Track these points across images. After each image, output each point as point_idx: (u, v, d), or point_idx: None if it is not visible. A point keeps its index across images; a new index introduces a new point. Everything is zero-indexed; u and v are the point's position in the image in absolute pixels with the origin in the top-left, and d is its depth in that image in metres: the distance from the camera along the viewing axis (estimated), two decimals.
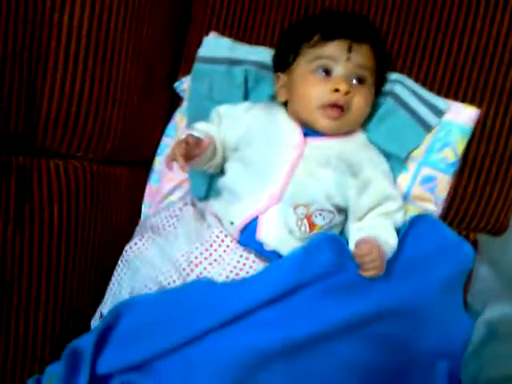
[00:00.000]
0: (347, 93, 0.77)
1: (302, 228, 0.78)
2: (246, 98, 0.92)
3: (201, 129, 0.84)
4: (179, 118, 0.96)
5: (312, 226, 0.78)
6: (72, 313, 0.80)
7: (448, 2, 0.86)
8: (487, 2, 0.84)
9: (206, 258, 0.77)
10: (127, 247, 0.83)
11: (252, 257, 0.77)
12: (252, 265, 0.76)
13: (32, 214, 0.76)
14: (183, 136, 0.78)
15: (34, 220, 0.76)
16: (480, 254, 0.91)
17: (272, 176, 0.79)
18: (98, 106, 0.80)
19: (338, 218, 0.81)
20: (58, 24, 0.74)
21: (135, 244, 0.82)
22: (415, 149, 0.86)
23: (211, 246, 0.77)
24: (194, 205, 0.87)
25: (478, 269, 0.93)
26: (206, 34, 0.97)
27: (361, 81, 0.80)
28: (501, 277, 1.04)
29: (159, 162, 0.97)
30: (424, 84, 0.88)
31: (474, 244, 0.88)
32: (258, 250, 0.78)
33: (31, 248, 0.76)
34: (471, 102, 0.86)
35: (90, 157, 0.83)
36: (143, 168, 0.97)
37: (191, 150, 0.75)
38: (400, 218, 0.80)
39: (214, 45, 0.93)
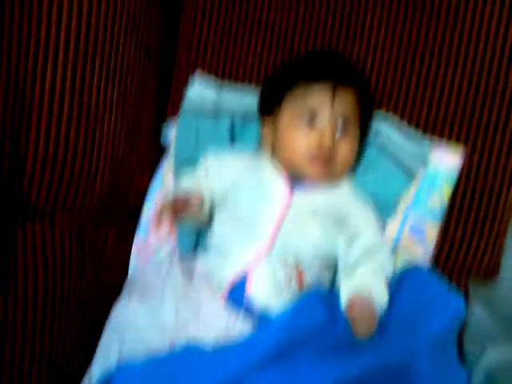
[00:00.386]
0: (332, 143, 0.77)
1: (292, 283, 0.77)
2: (232, 146, 0.92)
3: (188, 182, 0.84)
4: (166, 167, 0.95)
5: (301, 280, 0.77)
6: (60, 376, 0.78)
7: (430, 40, 0.87)
8: (469, 40, 0.85)
9: (194, 320, 0.75)
10: (114, 308, 0.81)
11: (241, 316, 0.75)
12: (241, 324, 0.75)
13: (16, 276, 0.74)
14: (170, 194, 0.78)
15: (17, 283, 0.74)
16: (472, 293, 0.91)
17: (259, 230, 0.78)
18: (82, 161, 0.79)
19: (327, 271, 0.80)
20: (41, 79, 0.73)
21: (122, 306, 0.80)
22: (402, 196, 0.86)
23: (199, 305, 0.76)
24: (181, 260, 0.85)
25: (471, 310, 0.90)
26: (192, 71, 0.96)
27: (345, 127, 0.79)
28: (496, 316, 1.02)
29: (147, 212, 0.96)
30: (409, 122, 0.88)
31: (466, 289, 0.88)
32: (248, 307, 0.77)
33: (15, 313, 0.74)
34: (457, 140, 0.87)
35: (76, 212, 0.82)
36: (131, 220, 0.95)
37: (179, 209, 0.75)
38: (390, 269, 0.79)
39: (199, 95, 0.93)
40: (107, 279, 0.89)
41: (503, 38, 0.84)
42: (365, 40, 0.89)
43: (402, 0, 0.87)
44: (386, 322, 0.74)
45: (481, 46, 0.84)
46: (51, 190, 0.79)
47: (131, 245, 0.95)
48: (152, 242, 0.93)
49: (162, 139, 0.97)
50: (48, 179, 0.78)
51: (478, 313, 0.89)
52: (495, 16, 0.83)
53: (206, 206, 0.84)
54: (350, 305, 0.72)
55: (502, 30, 0.83)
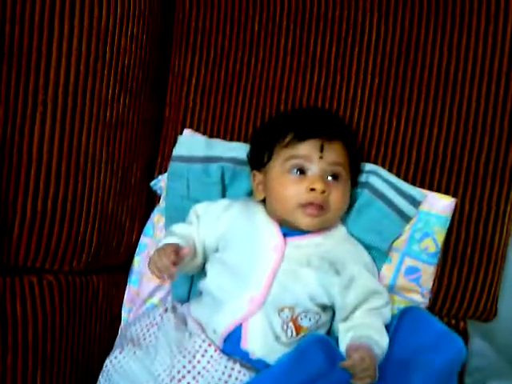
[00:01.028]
0: (323, 192, 0.77)
1: (289, 332, 0.75)
2: (223, 194, 0.92)
3: (180, 232, 0.83)
4: (157, 217, 0.95)
5: (298, 328, 0.76)
6: None
7: (415, 91, 0.89)
8: (453, 92, 0.87)
9: (189, 372, 0.73)
10: (107, 361, 0.79)
11: (237, 367, 0.74)
12: (238, 376, 0.73)
13: (5, 335, 0.73)
14: (161, 245, 0.77)
15: (7, 336, 0.73)
16: (471, 325, 0.90)
17: (253, 280, 0.77)
18: (71, 219, 0.79)
19: (325, 317, 0.79)
20: (29, 139, 0.74)
21: (115, 358, 0.79)
22: (396, 239, 0.85)
23: (194, 357, 0.74)
24: (174, 309, 0.84)
25: (471, 344, 0.90)
26: (181, 129, 0.97)
27: (336, 177, 0.80)
28: (495, 347, 1.01)
29: (138, 262, 0.95)
30: (398, 173, 0.89)
31: (465, 333, 0.87)
32: (244, 358, 0.75)
33: (4, 364, 0.72)
34: (446, 188, 0.87)
35: (66, 269, 0.81)
36: (122, 271, 0.94)
37: (170, 257, 0.74)
38: (388, 313, 0.79)
39: (189, 143, 0.94)
40: (99, 330, 0.86)
41: (487, 89, 0.86)
42: (351, 94, 0.91)
43: (386, 52, 0.90)
44: (386, 364, 0.72)
45: (465, 97, 0.87)
46: (39, 252, 0.78)
47: (123, 295, 0.93)
48: (144, 291, 0.91)
49: (152, 186, 0.97)
50: (36, 242, 0.77)
51: (478, 344, 0.88)
52: (478, 68, 0.86)
53: (199, 254, 0.83)
54: (350, 357, 0.71)
55: (485, 79, 0.86)
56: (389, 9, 0.89)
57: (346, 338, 0.75)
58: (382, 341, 0.74)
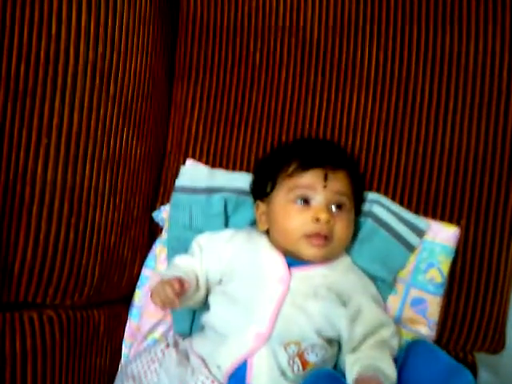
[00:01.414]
0: (328, 221, 0.77)
1: (295, 367, 0.73)
2: (226, 224, 0.91)
3: (182, 264, 0.82)
4: (159, 248, 0.94)
5: (305, 363, 0.74)
6: None
7: (415, 120, 0.90)
8: (453, 119, 0.88)
9: None
10: None
11: None
12: None
13: (3, 371, 0.71)
14: (162, 278, 0.76)
15: (5, 378, 0.71)
16: (478, 358, 0.88)
17: (258, 313, 0.76)
18: (73, 252, 0.78)
19: (331, 351, 0.77)
20: (32, 172, 0.73)
21: None
22: (401, 270, 0.85)
23: None
24: (176, 344, 0.82)
25: (478, 375, 0.88)
26: (183, 160, 0.97)
27: (340, 207, 0.80)
28: (501, 381, 0.99)
29: (139, 296, 0.93)
30: (401, 202, 0.89)
31: (473, 366, 0.86)
32: None
33: None
34: (450, 217, 0.87)
35: (67, 304, 0.80)
36: (123, 304, 0.93)
37: (172, 288, 0.73)
38: (395, 344, 0.77)
39: (192, 174, 0.94)
40: (99, 365, 0.84)
41: (487, 119, 0.87)
42: (352, 123, 0.92)
43: (386, 82, 0.91)
44: None
45: (465, 125, 0.88)
46: (41, 286, 0.77)
47: (124, 328, 0.91)
48: (145, 325, 0.89)
49: (154, 217, 0.96)
50: (38, 276, 0.76)
51: (485, 377, 0.86)
52: (476, 99, 0.87)
53: (202, 286, 0.82)
54: (357, 383, 0.69)
55: (484, 110, 0.87)
56: (387, 40, 0.91)
57: (353, 369, 0.73)
58: (390, 372, 0.72)
